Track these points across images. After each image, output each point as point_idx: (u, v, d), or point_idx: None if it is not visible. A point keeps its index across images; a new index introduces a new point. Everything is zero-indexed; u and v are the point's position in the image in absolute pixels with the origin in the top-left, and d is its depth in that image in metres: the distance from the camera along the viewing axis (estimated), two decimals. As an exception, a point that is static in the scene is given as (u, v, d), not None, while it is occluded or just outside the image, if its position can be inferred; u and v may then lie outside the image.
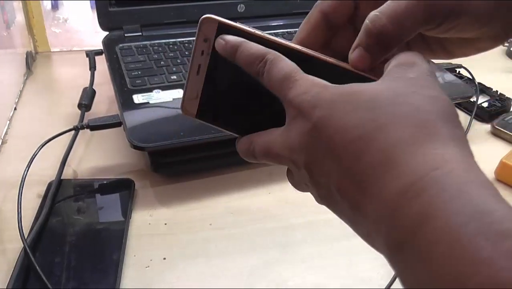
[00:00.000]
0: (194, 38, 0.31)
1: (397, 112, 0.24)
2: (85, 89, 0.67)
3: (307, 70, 0.28)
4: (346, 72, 0.29)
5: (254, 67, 0.29)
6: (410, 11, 0.27)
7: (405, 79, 0.26)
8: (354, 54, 0.29)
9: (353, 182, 0.24)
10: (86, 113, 0.64)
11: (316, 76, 0.28)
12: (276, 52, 0.29)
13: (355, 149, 0.24)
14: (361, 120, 0.24)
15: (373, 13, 0.28)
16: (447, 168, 0.22)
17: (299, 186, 0.31)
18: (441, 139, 0.23)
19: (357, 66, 0.29)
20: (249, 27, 0.31)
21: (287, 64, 0.28)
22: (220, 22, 0.31)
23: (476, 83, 0.76)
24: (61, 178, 0.54)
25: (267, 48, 0.30)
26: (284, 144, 0.28)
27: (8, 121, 0.66)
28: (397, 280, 0.45)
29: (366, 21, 0.28)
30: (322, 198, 0.28)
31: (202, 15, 0.31)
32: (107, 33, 0.75)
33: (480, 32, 0.29)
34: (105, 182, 0.55)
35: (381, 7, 0.28)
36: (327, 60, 0.30)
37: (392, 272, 0.45)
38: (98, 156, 0.60)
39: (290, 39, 0.33)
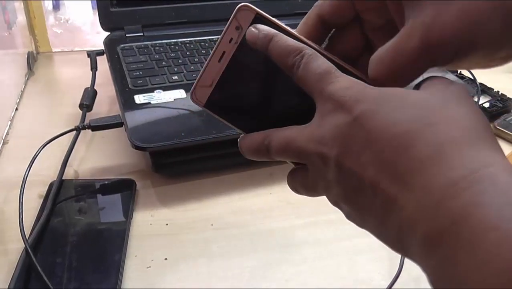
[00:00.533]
0: (224, 27, 0.31)
1: (448, 114, 0.24)
2: (86, 90, 0.67)
3: None
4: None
5: (290, 58, 0.29)
6: (410, 59, 0.27)
7: (450, 92, 0.26)
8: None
9: (393, 175, 0.24)
10: (87, 113, 0.64)
11: None
12: (312, 49, 0.29)
13: (401, 142, 0.24)
14: (411, 117, 0.24)
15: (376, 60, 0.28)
16: (498, 168, 0.22)
17: (313, 187, 0.30)
18: (489, 143, 0.24)
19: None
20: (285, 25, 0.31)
21: (326, 61, 0.28)
22: (258, 13, 0.30)
23: (478, 83, 0.76)
24: (63, 178, 0.54)
25: (304, 44, 0.29)
26: (311, 137, 0.27)
27: (9, 122, 0.66)
28: (398, 280, 0.45)
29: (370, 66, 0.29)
30: (348, 196, 0.27)
31: (239, 4, 0.31)
32: (108, 33, 0.75)
33: (490, 59, 0.29)
34: (106, 182, 0.55)
35: (382, 52, 0.28)
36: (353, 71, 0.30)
37: (393, 273, 0.45)
38: (99, 156, 0.60)
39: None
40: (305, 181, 0.30)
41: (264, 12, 0.31)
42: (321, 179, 0.28)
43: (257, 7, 0.31)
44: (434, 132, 0.24)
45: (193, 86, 0.32)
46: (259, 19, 0.30)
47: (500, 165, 0.23)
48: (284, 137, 0.29)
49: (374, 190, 0.24)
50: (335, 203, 0.29)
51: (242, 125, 0.32)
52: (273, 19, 0.30)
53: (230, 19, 0.30)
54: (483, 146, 0.24)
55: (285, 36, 0.30)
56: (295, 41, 0.29)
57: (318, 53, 0.29)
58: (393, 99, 0.25)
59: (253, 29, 0.30)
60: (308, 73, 0.28)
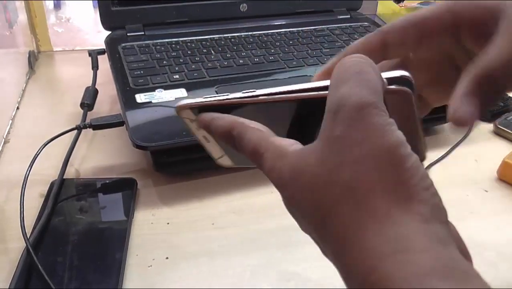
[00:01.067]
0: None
1: (335, 196, 0.23)
2: (87, 89, 0.67)
3: (271, 114, 0.29)
4: (313, 102, 0.28)
5: (231, 144, 0.29)
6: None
7: (333, 141, 0.24)
8: (461, 110, 0.26)
9: (323, 250, 0.26)
10: (88, 112, 0.64)
11: (282, 115, 0.29)
12: (240, 123, 0.29)
13: (314, 234, 0.25)
14: (310, 207, 0.24)
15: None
16: (390, 261, 0.21)
17: None
18: (383, 218, 0.22)
19: (462, 124, 0.27)
20: (215, 96, 0.31)
21: (250, 138, 0.28)
22: (190, 107, 0.31)
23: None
24: (64, 177, 0.54)
25: (232, 120, 0.29)
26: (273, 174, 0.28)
27: (10, 121, 0.66)
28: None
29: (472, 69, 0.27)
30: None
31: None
32: (109, 32, 0.75)
33: None
34: (107, 181, 0.55)
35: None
36: (289, 98, 0.29)
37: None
38: (100, 155, 0.60)
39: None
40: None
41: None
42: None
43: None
44: (330, 225, 0.23)
45: (214, 160, 0.35)
46: (195, 109, 0.31)
47: (391, 254, 0.21)
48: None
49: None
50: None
51: None
52: (202, 101, 0.31)
53: (182, 119, 0.32)
54: (377, 225, 0.22)
55: (216, 120, 0.30)
56: (224, 122, 0.29)
57: (244, 128, 0.28)
58: (297, 183, 0.25)
59: (196, 124, 0.31)
60: (245, 154, 0.29)
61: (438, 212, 0.23)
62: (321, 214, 0.24)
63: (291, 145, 0.27)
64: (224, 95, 0.31)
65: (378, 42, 0.31)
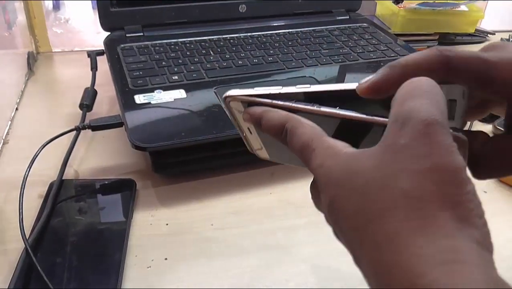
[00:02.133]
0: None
1: (388, 202, 0.23)
2: (86, 90, 0.67)
3: (326, 127, 0.29)
4: (364, 124, 0.28)
5: (279, 137, 0.30)
6: None
7: (395, 150, 0.24)
8: None
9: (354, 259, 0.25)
10: (87, 113, 0.64)
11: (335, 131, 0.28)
12: (294, 118, 0.29)
13: (354, 238, 0.25)
14: (356, 209, 0.24)
15: None
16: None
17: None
18: (437, 229, 0.22)
19: None
20: (268, 91, 0.31)
21: (304, 132, 0.28)
22: (242, 100, 0.31)
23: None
24: (63, 178, 0.54)
25: (286, 114, 0.30)
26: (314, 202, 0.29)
27: (9, 122, 0.66)
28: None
29: None
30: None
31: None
32: (108, 33, 0.75)
33: None
34: (106, 182, 0.55)
35: None
36: (339, 115, 0.29)
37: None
38: (99, 156, 0.60)
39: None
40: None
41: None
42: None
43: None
44: (376, 230, 0.23)
45: (252, 151, 0.35)
46: (246, 102, 0.32)
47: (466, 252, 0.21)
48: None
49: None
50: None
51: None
52: (254, 94, 0.31)
53: (227, 109, 0.32)
54: (431, 237, 0.22)
55: (269, 114, 0.30)
56: (277, 116, 0.30)
57: (298, 123, 0.29)
58: (348, 183, 0.25)
59: (245, 114, 0.32)
60: (294, 149, 0.29)
61: (488, 242, 0.23)
62: (367, 217, 0.23)
63: (345, 146, 0.27)
64: (277, 89, 0.31)
65: (439, 62, 0.29)
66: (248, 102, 0.31)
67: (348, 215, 0.24)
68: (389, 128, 0.25)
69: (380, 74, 0.29)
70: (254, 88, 0.32)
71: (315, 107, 0.30)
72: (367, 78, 0.29)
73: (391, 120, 0.25)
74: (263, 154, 0.35)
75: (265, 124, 0.30)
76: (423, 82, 0.26)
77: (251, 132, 0.33)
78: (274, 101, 0.31)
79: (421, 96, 0.25)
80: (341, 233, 0.26)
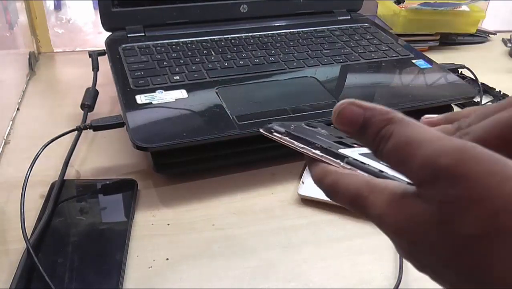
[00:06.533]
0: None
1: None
2: (88, 90, 0.67)
3: None
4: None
5: (323, 188, 0.27)
6: None
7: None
8: None
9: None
10: (89, 113, 0.64)
11: None
12: (333, 169, 0.27)
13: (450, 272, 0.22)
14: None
15: None
16: None
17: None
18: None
19: None
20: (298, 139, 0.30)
21: (349, 182, 0.26)
22: (276, 140, 0.30)
23: (480, 83, 0.76)
24: (64, 178, 0.54)
25: (325, 166, 0.28)
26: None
27: (10, 122, 0.66)
28: (403, 281, 0.45)
29: None
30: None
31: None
32: (110, 33, 0.75)
33: None
34: (108, 182, 0.55)
35: None
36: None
37: (395, 273, 0.45)
38: (101, 156, 0.60)
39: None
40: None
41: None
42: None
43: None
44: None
45: None
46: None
47: None
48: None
49: None
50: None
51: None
52: (286, 139, 0.30)
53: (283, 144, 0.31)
54: None
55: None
56: (315, 169, 0.28)
57: (340, 175, 0.26)
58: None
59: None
60: (343, 201, 0.26)
61: None
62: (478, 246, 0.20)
63: (400, 185, 0.24)
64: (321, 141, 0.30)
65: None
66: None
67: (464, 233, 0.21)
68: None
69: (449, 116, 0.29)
70: (293, 125, 0.31)
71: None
72: None
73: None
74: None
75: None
76: None
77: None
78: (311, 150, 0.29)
79: None
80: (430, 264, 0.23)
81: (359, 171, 0.27)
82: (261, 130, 0.31)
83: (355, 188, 0.25)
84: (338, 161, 0.28)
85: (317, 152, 0.28)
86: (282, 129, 0.30)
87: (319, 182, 0.27)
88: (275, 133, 0.30)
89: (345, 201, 0.26)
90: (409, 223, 0.23)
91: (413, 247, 0.23)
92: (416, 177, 0.22)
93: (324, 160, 0.28)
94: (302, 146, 0.29)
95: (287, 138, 0.30)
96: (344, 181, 0.26)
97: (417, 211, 0.22)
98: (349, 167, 0.27)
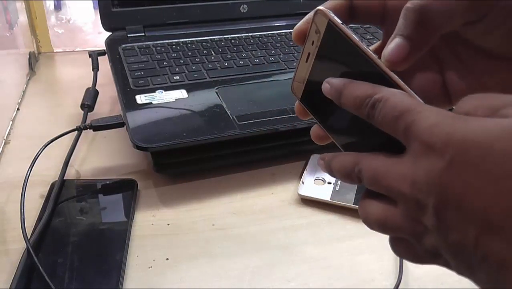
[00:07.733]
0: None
1: None
2: (88, 90, 0.67)
3: None
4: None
5: (362, 110, 0.27)
6: None
7: None
8: (390, 45, 0.27)
9: (503, 238, 0.21)
10: (89, 113, 0.64)
11: None
12: (384, 89, 0.26)
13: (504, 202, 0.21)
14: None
15: None
16: None
17: (401, 227, 0.25)
18: None
19: (393, 60, 0.27)
20: (355, 34, 0.29)
21: (401, 99, 0.25)
22: (330, 21, 0.29)
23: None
24: (64, 178, 0.54)
25: (373, 87, 0.27)
26: (403, 177, 0.24)
27: (10, 122, 0.66)
28: (403, 281, 0.45)
29: (407, 4, 0.27)
30: (451, 247, 0.23)
31: (316, 7, 0.30)
32: (110, 33, 0.75)
33: None
34: (108, 182, 0.55)
35: None
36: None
37: (395, 273, 0.45)
38: (101, 156, 0.60)
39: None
40: (390, 217, 0.26)
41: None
42: (415, 222, 0.24)
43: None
44: None
45: (292, 79, 0.33)
46: (331, 28, 0.29)
47: None
48: (373, 169, 0.26)
49: (481, 252, 0.22)
50: (432, 248, 0.24)
51: (331, 129, 0.31)
52: (345, 29, 0.29)
53: (310, 22, 0.31)
54: None
55: (352, 86, 0.27)
56: (363, 88, 0.27)
57: (391, 92, 0.26)
58: (481, 147, 0.21)
59: (326, 84, 0.29)
60: (385, 118, 0.25)
61: None
62: None
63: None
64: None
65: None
66: (332, 30, 0.29)
67: (495, 177, 0.21)
68: None
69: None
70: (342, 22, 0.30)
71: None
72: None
73: None
74: (299, 89, 0.33)
75: (347, 97, 0.28)
76: None
77: (306, 61, 0.31)
78: (357, 41, 0.28)
79: None
80: (465, 200, 0.22)
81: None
82: (320, 7, 0.30)
83: (408, 104, 0.25)
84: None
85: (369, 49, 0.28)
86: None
87: (367, 96, 0.27)
88: (335, 17, 0.29)
89: (388, 117, 0.25)
90: (475, 135, 0.22)
91: (458, 165, 0.22)
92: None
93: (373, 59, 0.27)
94: (358, 39, 0.28)
95: (346, 27, 0.29)
96: (392, 99, 0.25)
97: (483, 125, 0.22)
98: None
